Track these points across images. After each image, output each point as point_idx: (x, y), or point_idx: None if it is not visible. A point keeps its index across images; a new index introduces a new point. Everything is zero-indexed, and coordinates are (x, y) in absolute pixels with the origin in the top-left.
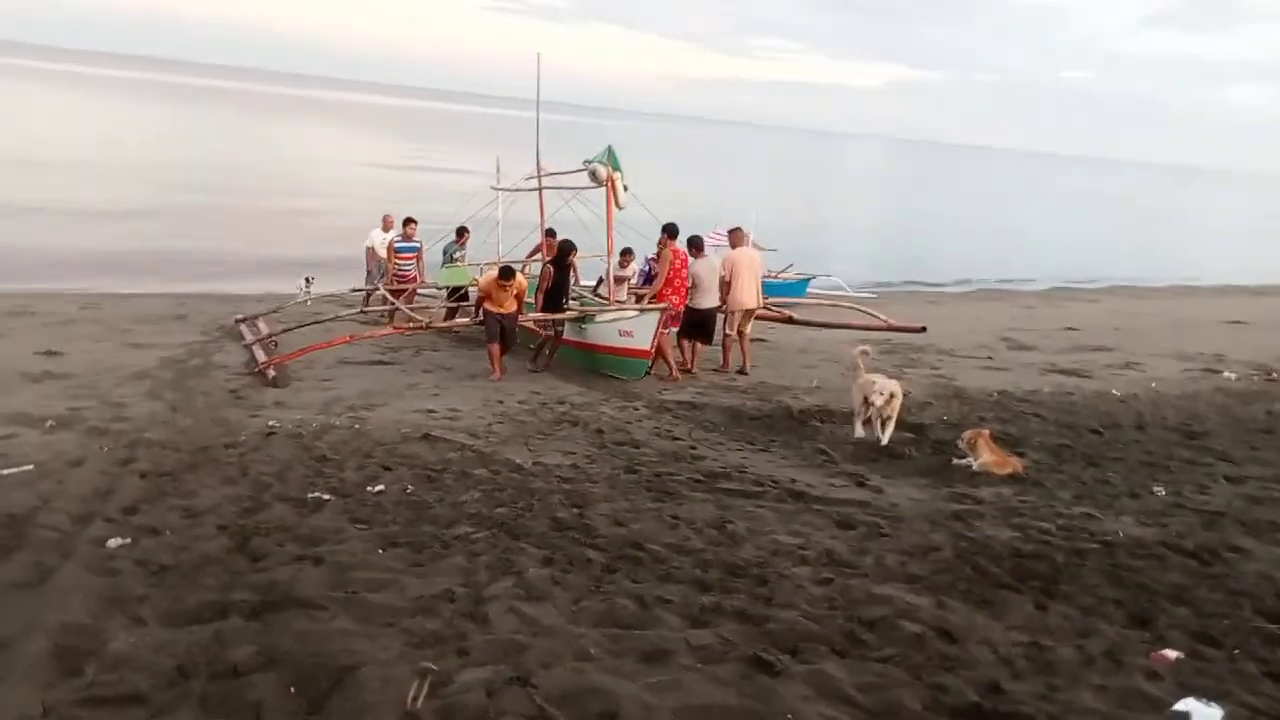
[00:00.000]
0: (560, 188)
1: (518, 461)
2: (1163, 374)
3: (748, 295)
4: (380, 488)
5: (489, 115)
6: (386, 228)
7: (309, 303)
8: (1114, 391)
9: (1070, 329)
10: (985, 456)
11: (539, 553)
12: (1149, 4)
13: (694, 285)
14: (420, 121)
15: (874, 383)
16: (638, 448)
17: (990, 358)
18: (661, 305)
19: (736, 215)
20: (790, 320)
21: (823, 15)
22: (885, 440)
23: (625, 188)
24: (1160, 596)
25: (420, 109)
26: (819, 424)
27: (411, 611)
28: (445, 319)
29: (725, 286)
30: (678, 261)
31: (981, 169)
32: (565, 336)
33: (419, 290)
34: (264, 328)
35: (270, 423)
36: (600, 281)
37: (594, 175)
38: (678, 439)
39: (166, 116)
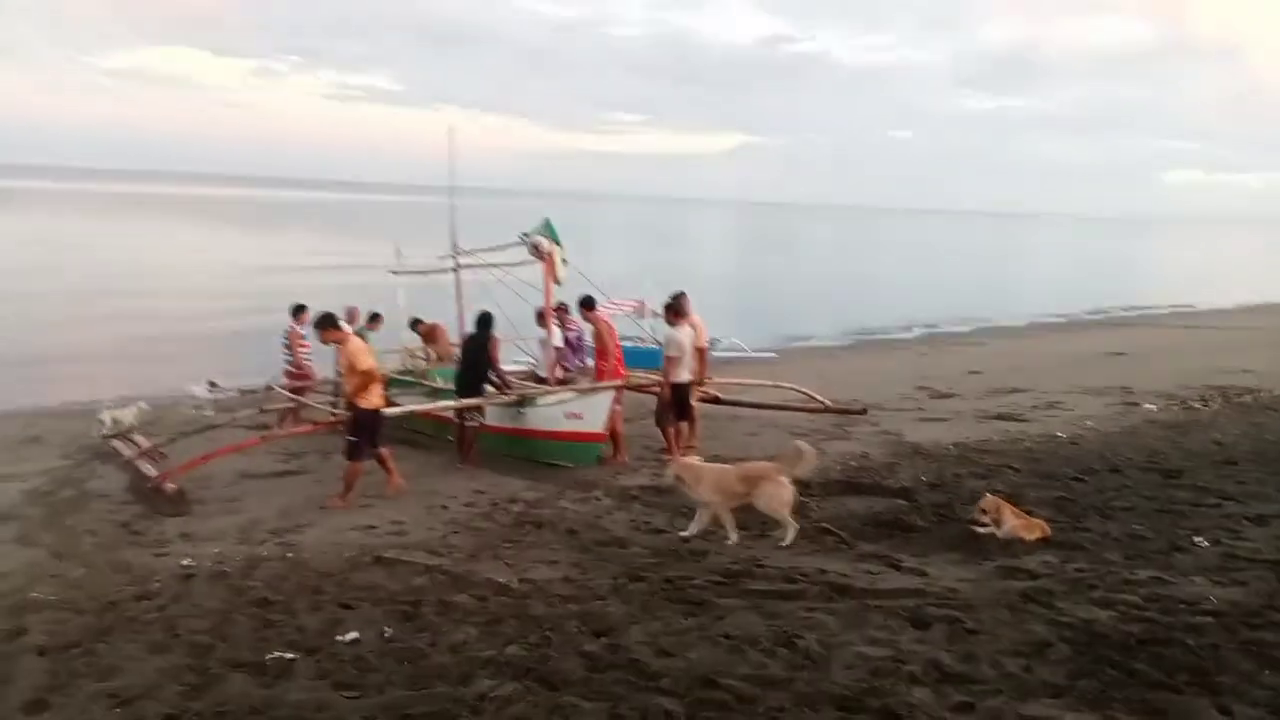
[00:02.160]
0: (485, 265)
1: (501, 581)
2: (1089, 411)
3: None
4: (353, 635)
5: (348, 201)
6: (350, 320)
7: (210, 411)
8: (1059, 434)
9: (974, 372)
10: (1012, 523)
11: (597, 707)
12: (959, 67)
13: (677, 357)
14: (273, 212)
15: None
16: (625, 547)
17: (921, 409)
18: (617, 382)
19: (627, 286)
20: (717, 401)
21: (663, 88)
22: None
23: (565, 261)
24: None
25: (267, 198)
26: (805, 498)
27: None
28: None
29: (699, 357)
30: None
31: (826, 225)
32: (499, 424)
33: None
34: (141, 440)
35: (184, 561)
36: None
37: (536, 249)
38: (663, 531)
39: None
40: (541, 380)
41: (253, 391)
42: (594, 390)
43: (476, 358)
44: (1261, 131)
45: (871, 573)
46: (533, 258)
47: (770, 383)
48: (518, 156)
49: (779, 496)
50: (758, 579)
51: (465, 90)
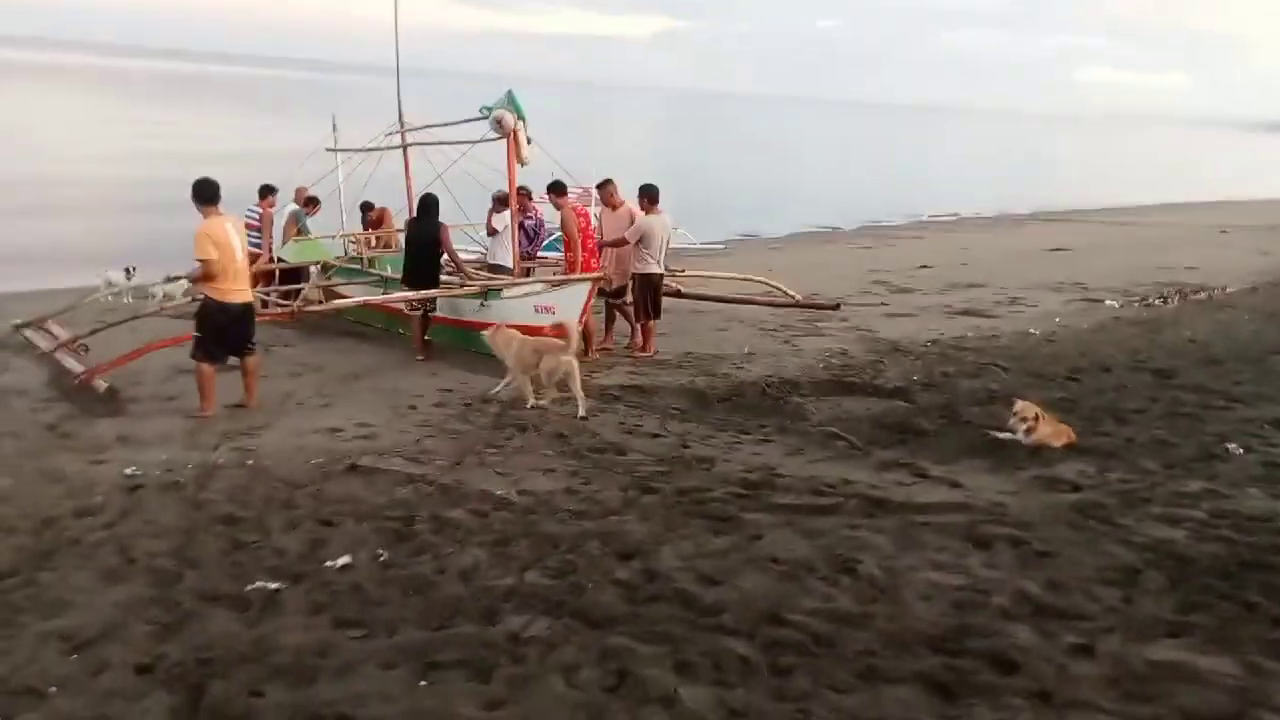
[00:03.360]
0: (436, 143)
1: (498, 493)
2: (1052, 308)
3: None
4: (345, 559)
5: (247, 75)
6: (296, 200)
7: (129, 299)
8: (1033, 330)
9: (924, 266)
10: (1045, 430)
11: (656, 652)
12: None
13: (645, 246)
14: (178, 86)
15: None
16: (623, 454)
17: (885, 303)
18: (594, 275)
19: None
20: (679, 295)
21: None
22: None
23: (529, 139)
24: None
25: (167, 71)
26: (800, 400)
27: None
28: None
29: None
30: (582, 221)
31: (752, 116)
32: (459, 317)
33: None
34: (60, 332)
35: (127, 470)
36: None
37: (499, 124)
38: (658, 435)
39: None
40: (499, 270)
41: (178, 279)
42: (567, 282)
43: (425, 245)
44: (1170, 32)
45: (902, 484)
46: (494, 134)
47: (739, 275)
48: (431, 34)
49: (556, 368)
50: (780, 490)
51: None
